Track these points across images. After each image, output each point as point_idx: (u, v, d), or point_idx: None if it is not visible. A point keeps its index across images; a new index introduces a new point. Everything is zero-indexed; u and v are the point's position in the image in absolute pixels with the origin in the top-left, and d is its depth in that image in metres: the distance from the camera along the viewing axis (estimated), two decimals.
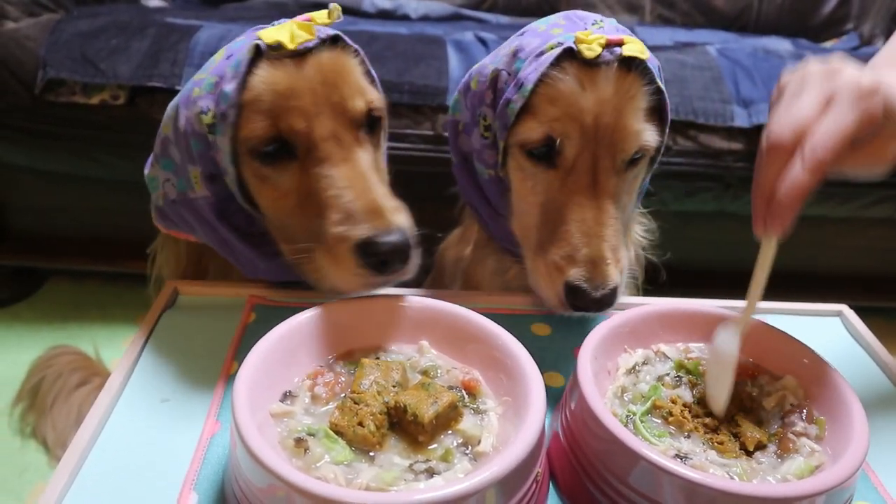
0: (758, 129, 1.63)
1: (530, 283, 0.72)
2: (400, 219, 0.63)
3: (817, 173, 0.50)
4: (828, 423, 0.54)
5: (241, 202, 0.68)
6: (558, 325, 0.73)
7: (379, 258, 0.61)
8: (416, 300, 0.61)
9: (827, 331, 0.79)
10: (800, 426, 0.54)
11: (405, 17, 2.09)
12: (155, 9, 1.96)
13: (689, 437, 0.53)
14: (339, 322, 0.59)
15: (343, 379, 0.55)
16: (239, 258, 0.73)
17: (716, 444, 0.53)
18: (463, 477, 0.44)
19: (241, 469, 0.46)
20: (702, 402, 0.57)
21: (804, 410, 0.56)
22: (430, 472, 0.47)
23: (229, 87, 0.63)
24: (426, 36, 1.77)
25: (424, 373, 0.57)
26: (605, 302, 0.65)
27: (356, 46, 0.69)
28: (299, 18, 0.66)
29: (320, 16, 0.66)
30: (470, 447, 0.50)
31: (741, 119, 1.63)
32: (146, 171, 0.74)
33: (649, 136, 0.68)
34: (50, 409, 1.10)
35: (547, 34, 0.69)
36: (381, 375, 0.54)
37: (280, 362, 0.54)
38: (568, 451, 0.54)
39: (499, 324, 0.58)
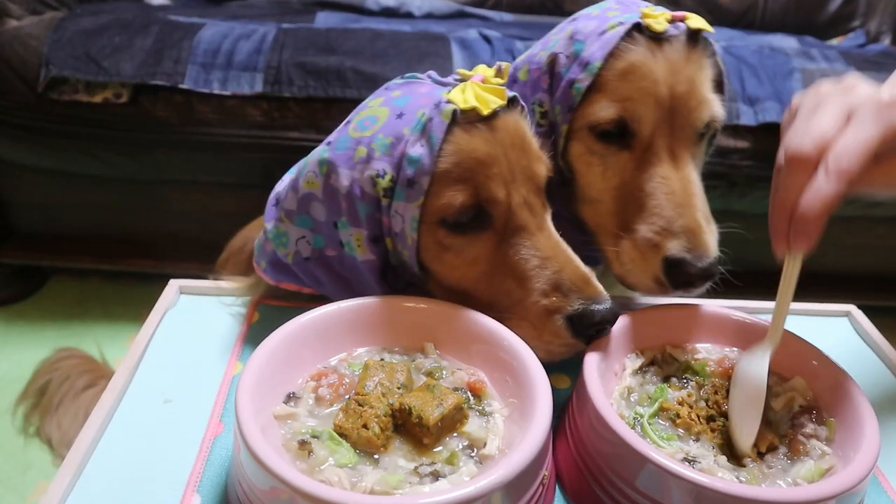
0: (763, 127, 1.62)
1: (614, 272, 0.70)
2: (599, 288, 0.60)
3: (842, 184, 0.49)
4: (837, 426, 0.54)
5: (413, 267, 0.63)
6: None
7: (593, 328, 0.58)
8: (422, 301, 0.60)
9: (835, 331, 0.78)
10: (810, 428, 0.54)
11: (409, 15, 2.09)
12: (158, 7, 1.96)
13: (697, 439, 0.53)
14: (344, 323, 0.58)
15: (347, 380, 0.54)
16: None
17: (726, 444, 0.52)
18: (468, 480, 0.44)
19: (244, 471, 0.46)
20: (709, 403, 0.56)
21: (814, 412, 0.55)
22: (436, 475, 0.46)
23: (419, 152, 0.58)
24: (430, 34, 1.77)
25: (429, 374, 0.56)
26: (710, 273, 0.64)
27: (523, 104, 0.65)
28: (477, 79, 0.62)
29: (491, 75, 0.63)
30: (475, 450, 0.49)
31: (747, 117, 1.62)
32: (269, 226, 0.67)
33: (718, 107, 0.68)
34: (56, 409, 1.10)
35: (603, 17, 0.69)
36: (386, 377, 0.53)
37: (284, 363, 0.53)
38: (574, 454, 0.53)
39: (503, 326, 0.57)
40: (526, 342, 0.57)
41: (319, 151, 0.64)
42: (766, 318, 0.62)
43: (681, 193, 0.65)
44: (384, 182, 0.59)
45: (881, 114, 0.50)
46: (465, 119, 0.59)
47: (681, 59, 0.66)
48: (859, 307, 0.81)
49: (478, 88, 0.60)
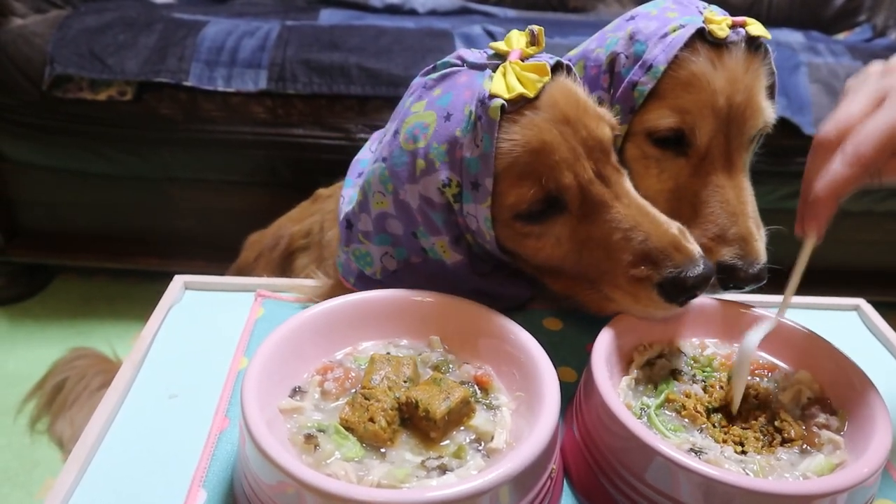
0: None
1: None
2: (695, 247, 0.60)
3: (856, 168, 0.48)
4: (848, 419, 0.53)
5: (500, 256, 0.64)
6: (570, 319, 0.72)
7: (687, 292, 0.58)
8: (428, 295, 0.60)
9: (844, 325, 0.78)
10: (822, 418, 0.53)
11: (413, 12, 2.08)
12: (162, 4, 1.95)
13: (702, 431, 0.52)
14: (350, 317, 0.58)
15: (353, 374, 0.54)
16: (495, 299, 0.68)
17: (732, 439, 0.52)
18: (476, 474, 0.43)
19: (250, 466, 0.46)
20: (715, 396, 0.56)
21: (823, 402, 0.55)
22: (443, 469, 0.46)
23: (475, 154, 0.57)
24: (434, 30, 1.76)
25: (436, 368, 0.56)
26: (759, 277, 0.66)
27: (568, 63, 0.63)
28: (513, 57, 0.59)
29: (525, 45, 0.61)
30: (483, 443, 0.49)
31: None
32: (348, 249, 0.69)
33: (770, 113, 0.69)
34: (70, 407, 1.11)
35: (663, 17, 0.69)
36: (392, 370, 0.53)
37: (290, 357, 0.53)
38: (582, 447, 0.53)
39: (510, 319, 0.57)
40: (620, 306, 0.59)
41: (379, 170, 0.63)
42: (777, 312, 0.61)
43: (734, 202, 0.67)
44: (451, 189, 0.59)
45: None
46: (513, 107, 0.58)
47: (740, 68, 0.66)
48: (868, 302, 0.80)
49: (518, 69, 0.58)
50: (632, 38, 0.69)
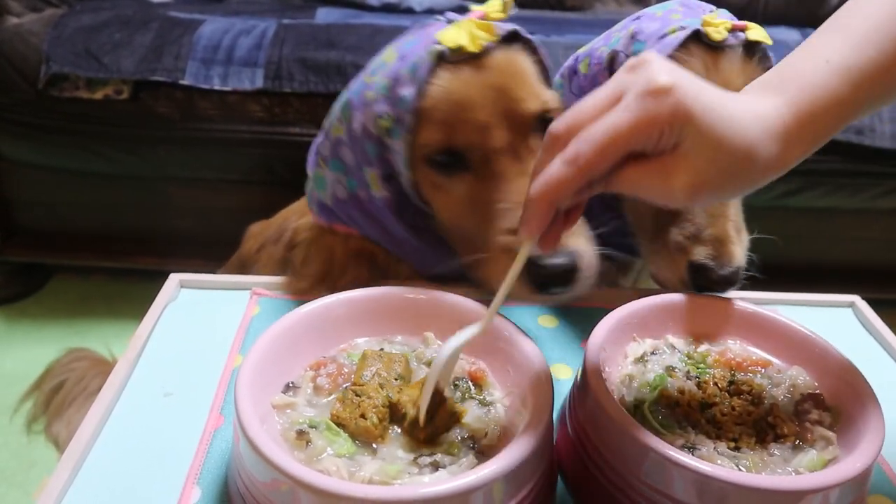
0: None
1: (650, 267, 0.73)
2: (572, 241, 0.59)
3: (572, 168, 0.42)
4: (841, 415, 0.53)
5: (416, 202, 0.67)
6: (565, 316, 0.72)
7: (541, 279, 0.58)
8: (422, 291, 0.60)
9: (839, 322, 0.78)
10: (815, 414, 0.53)
11: (409, 11, 2.08)
12: (158, 3, 1.95)
13: (695, 427, 0.52)
14: (344, 314, 0.58)
15: (346, 369, 0.54)
16: (410, 254, 0.72)
17: (726, 435, 0.52)
18: (469, 471, 0.43)
19: (244, 463, 0.46)
20: (709, 393, 0.56)
21: (817, 399, 0.55)
22: (435, 466, 0.46)
23: (407, 92, 0.61)
24: None
25: (429, 364, 0.56)
26: (731, 280, 0.65)
27: (531, 38, 0.65)
28: (474, 16, 0.62)
29: (494, 9, 0.63)
30: (476, 440, 0.49)
31: None
32: (310, 172, 0.73)
33: None
34: (67, 408, 1.11)
35: (666, 18, 0.69)
36: (384, 367, 0.53)
37: (284, 354, 0.53)
38: (576, 444, 0.53)
39: (505, 315, 0.57)
40: (491, 279, 0.60)
41: (343, 99, 0.68)
42: (772, 309, 0.61)
43: (715, 203, 0.67)
44: (385, 122, 0.62)
45: (644, 99, 0.42)
46: (455, 58, 0.60)
47: (735, 71, 0.66)
48: (863, 299, 0.80)
49: (473, 26, 0.61)
50: (633, 37, 0.69)
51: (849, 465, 0.46)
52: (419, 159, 0.63)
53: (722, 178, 0.44)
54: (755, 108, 0.45)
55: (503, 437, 0.49)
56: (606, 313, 0.59)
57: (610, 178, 0.44)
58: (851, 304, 0.80)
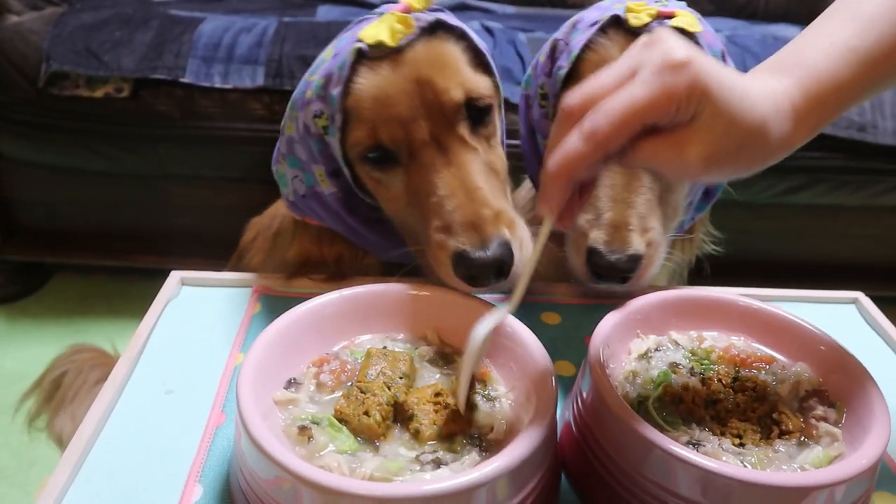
0: None
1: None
2: (499, 231, 0.60)
3: (590, 143, 0.43)
4: (847, 411, 0.53)
5: (362, 196, 0.68)
6: (568, 313, 0.72)
7: (471, 272, 0.59)
8: (425, 289, 0.60)
9: (842, 318, 0.77)
10: (820, 410, 0.53)
11: None
12: (158, 1, 1.95)
13: (699, 423, 0.52)
14: (347, 311, 0.58)
15: (350, 367, 0.54)
16: (368, 244, 0.74)
17: (731, 431, 0.51)
18: (472, 468, 0.43)
19: (246, 461, 0.45)
20: (713, 389, 0.55)
21: (821, 395, 0.55)
22: (437, 463, 0.46)
23: (335, 91, 0.62)
24: None
25: (432, 362, 0.56)
26: (619, 267, 0.64)
27: (460, 26, 0.65)
28: (396, 8, 0.63)
29: (416, 1, 0.64)
30: (482, 436, 0.49)
31: None
32: (274, 168, 0.74)
33: None
34: (70, 402, 1.11)
35: (607, 7, 0.69)
36: (388, 366, 0.53)
37: (286, 351, 0.53)
38: (580, 441, 0.53)
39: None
40: (432, 272, 0.61)
41: (293, 98, 0.69)
42: (775, 305, 0.61)
43: (620, 189, 0.65)
44: (322, 121, 0.64)
45: (661, 74, 0.42)
46: (375, 54, 0.61)
47: None
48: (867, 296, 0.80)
49: (393, 20, 0.61)
50: (574, 25, 0.70)
51: (855, 462, 0.45)
52: (354, 157, 0.65)
53: (735, 152, 0.45)
54: (766, 88, 0.46)
55: (509, 432, 0.49)
56: (609, 310, 0.59)
57: (625, 152, 0.45)
58: (855, 301, 0.80)
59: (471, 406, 0.51)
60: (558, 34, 0.71)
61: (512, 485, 0.43)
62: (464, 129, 0.64)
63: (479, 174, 0.63)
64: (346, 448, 0.47)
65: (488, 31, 1.74)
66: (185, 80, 1.57)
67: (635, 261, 0.64)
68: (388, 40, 0.61)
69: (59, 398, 1.12)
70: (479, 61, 0.67)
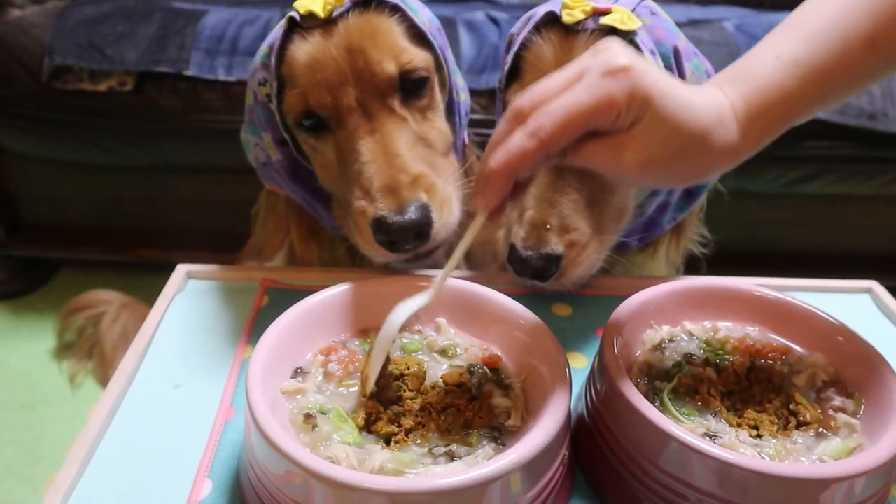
0: None
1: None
2: (416, 195, 0.61)
3: (534, 141, 0.44)
4: (865, 402, 0.52)
5: (305, 164, 0.71)
6: (579, 305, 0.71)
7: (390, 237, 0.60)
8: (432, 280, 0.59)
9: (856, 308, 0.76)
10: (837, 401, 0.52)
11: None
12: None
13: (716, 415, 0.51)
14: (356, 302, 0.57)
15: (359, 356, 0.53)
16: (319, 215, 0.75)
17: (746, 423, 0.51)
18: (486, 461, 0.42)
19: (256, 455, 0.45)
20: (728, 381, 0.54)
21: (839, 385, 0.54)
22: (450, 456, 0.45)
23: (273, 59, 0.65)
24: (437, 16, 1.74)
25: (443, 352, 0.55)
26: (532, 264, 0.63)
27: (397, 2, 0.67)
28: None
29: None
30: (497, 426, 0.48)
31: None
32: (241, 135, 0.77)
33: None
34: (113, 357, 1.24)
35: (559, 2, 0.67)
36: (411, 384, 0.52)
37: (295, 344, 0.52)
38: (594, 433, 0.52)
39: (519, 303, 0.56)
40: (355, 240, 0.63)
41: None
42: (790, 296, 0.60)
43: (544, 188, 0.64)
44: (265, 89, 0.67)
45: (602, 79, 0.44)
46: (308, 24, 0.64)
47: (580, 53, 0.62)
48: None
49: None
50: (528, 19, 0.69)
51: (874, 454, 0.45)
52: (292, 123, 0.67)
53: (673, 159, 0.47)
54: (710, 98, 0.48)
55: (524, 422, 0.48)
56: (621, 301, 0.58)
57: (566, 153, 0.47)
58: (869, 290, 0.79)
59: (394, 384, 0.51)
60: (514, 29, 0.71)
61: (527, 478, 0.43)
62: (395, 101, 0.66)
63: (402, 142, 0.64)
64: (350, 440, 0.46)
65: (494, 21, 1.72)
66: (189, 73, 1.56)
67: (550, 260, 0.63)
68: (318, 11, 0.63)
69: (99, 353, 1.22)
70: (417, 35, 0.68)
